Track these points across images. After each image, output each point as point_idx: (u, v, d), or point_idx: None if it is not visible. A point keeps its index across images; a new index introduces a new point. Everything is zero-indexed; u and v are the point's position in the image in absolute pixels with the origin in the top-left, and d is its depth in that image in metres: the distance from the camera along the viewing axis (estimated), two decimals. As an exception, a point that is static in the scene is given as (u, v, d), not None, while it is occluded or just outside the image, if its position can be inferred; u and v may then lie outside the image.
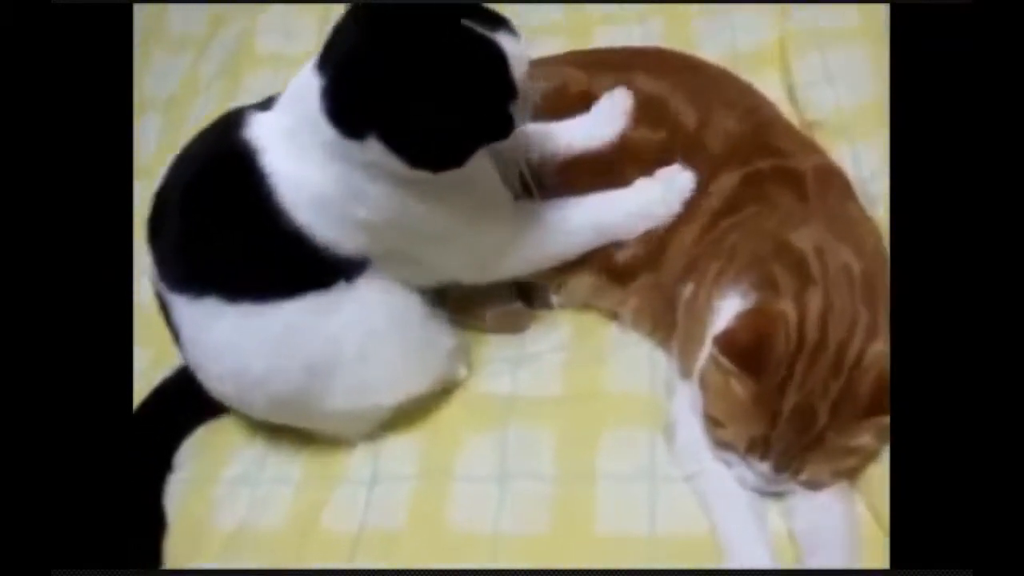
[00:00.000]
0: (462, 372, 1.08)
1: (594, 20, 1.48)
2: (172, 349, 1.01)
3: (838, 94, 1.16)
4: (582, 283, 1.07)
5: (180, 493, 1.06)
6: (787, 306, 0.85)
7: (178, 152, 0.98)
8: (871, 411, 0.81)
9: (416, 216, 0.91)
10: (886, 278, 0.86)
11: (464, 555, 0.93)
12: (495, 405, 1.04)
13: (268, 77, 1.44)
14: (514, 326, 1.11)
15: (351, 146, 0.85)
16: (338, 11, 0.86)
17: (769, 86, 1.19)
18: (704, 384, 0.89)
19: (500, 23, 0.86)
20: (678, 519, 0.90)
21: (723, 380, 0.85)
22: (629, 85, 1.08)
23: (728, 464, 0.90)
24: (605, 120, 1.08)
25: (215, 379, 0.99)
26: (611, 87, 1.09)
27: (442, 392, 1.06)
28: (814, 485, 0.87)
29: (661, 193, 1.02)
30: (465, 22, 0.83)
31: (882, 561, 0.80)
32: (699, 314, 0.93)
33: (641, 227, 1.03)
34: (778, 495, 0.89)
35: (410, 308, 1.01)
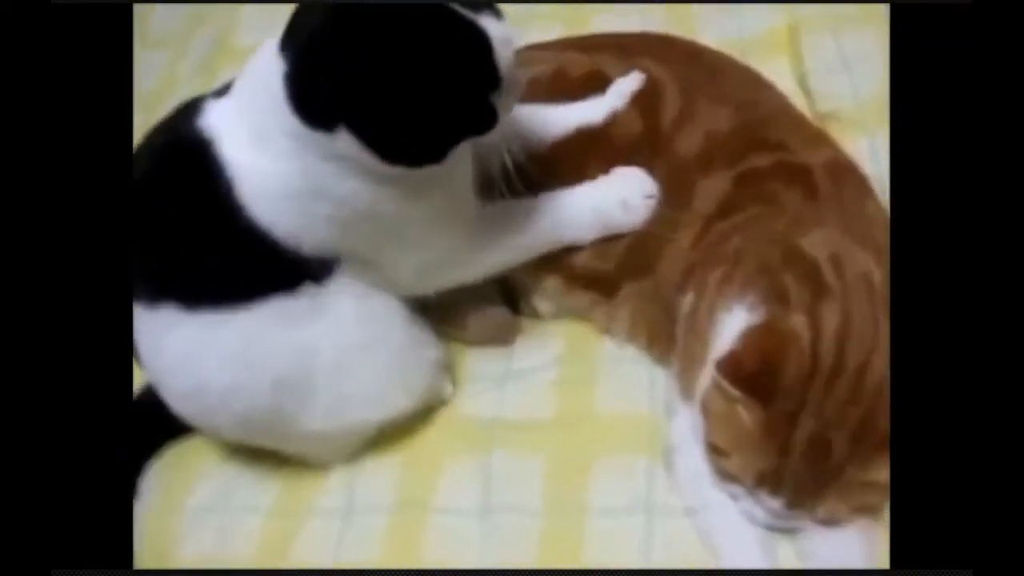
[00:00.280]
0: (448, 388, 1.00)
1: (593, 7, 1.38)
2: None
3: (854, 82, 1.07)
4: (555, 288, 1.00)
5: (143, 521, 0.99)
6: (798, 322, 0.76)
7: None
8: (894, 441, 0.72)
9: (385, 214, 0.83)
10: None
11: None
12: (479, 429, 0.95)
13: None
14: (500, 337, 1.03)
15: (318, 137, 0.77)
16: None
17: (779, 75, 1.10)
18: (706, 410, 0.80)
19: (482, 3, 0.77)
20: (677, 556, 0.82)
21: (728, 407, 0.76)
22: (638, 66, 1.01)
23: (734, 497, 0.81)
24: (610, 104, 1.00)
25: (176, 397, 0.91)
26: (619, 69, 1.01)
27: (422, 412, 0.98)
28: (831, 522, 0.77)
29: (620, 197, 0.94)
30: (445, 1, 0.75)
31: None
32: (700, 329, 0.84)
33: (596, 232, 0.95)
34: (790, 531, 0.80)
35: (390, 315, 0.93)
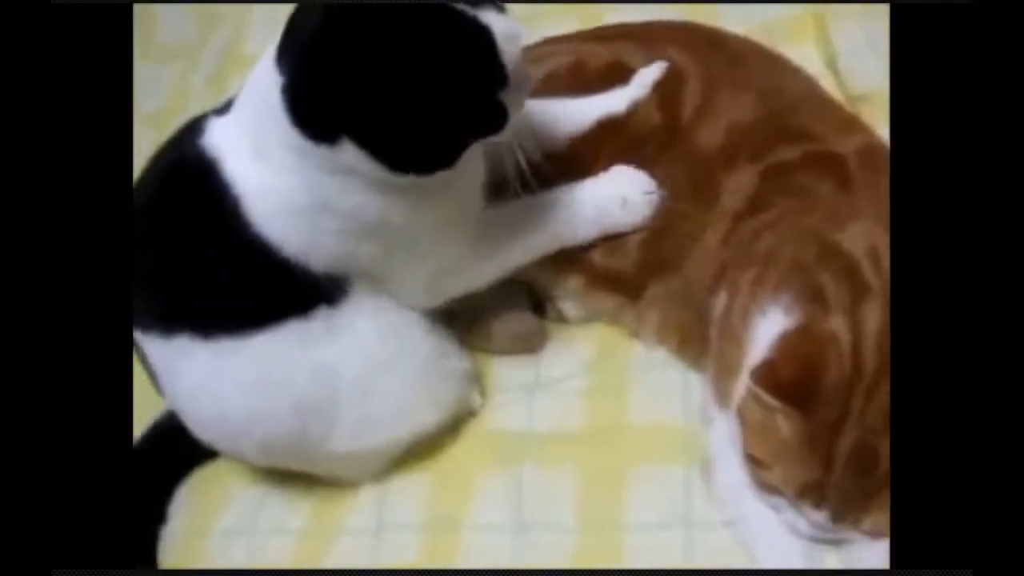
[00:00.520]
0: (477, 400, 0.97)
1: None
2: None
3: (885, 65, 1.01)
4: (578, 290, 0.96)
5: (172, 546, 0.97)
6: (838, 324, 0.72)
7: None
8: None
9: (395, 226, 0.80)
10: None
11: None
12: (508, 442, 0.92)
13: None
14: (527, 345, 1.00)
15: (322, 151, 0.74)
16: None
17: (807, 59, 1.05)
18: (744, 420, 0.76)
19: None
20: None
21: (766, 416, 0.73)
22: (662, 54, 0.97)
23: (776, 509, 0.77)
24: (632, 95, 0.96)
25: (198, 425, 0.90)
26: (640, 59, 0.97)
27: (451, 426, 0.95)
28: (878, 534, 0.73)
29: (618, 195, 0.91)
30: None
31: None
32: (735, 333, 0.80)
33: (595, 231, 0.92)
34: (836, 542, 0.77)
35: (410, 328, 0.90)
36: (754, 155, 0.88)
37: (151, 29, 1.59)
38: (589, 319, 0.99)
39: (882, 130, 0.92)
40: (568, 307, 0.99)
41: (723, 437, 0.82)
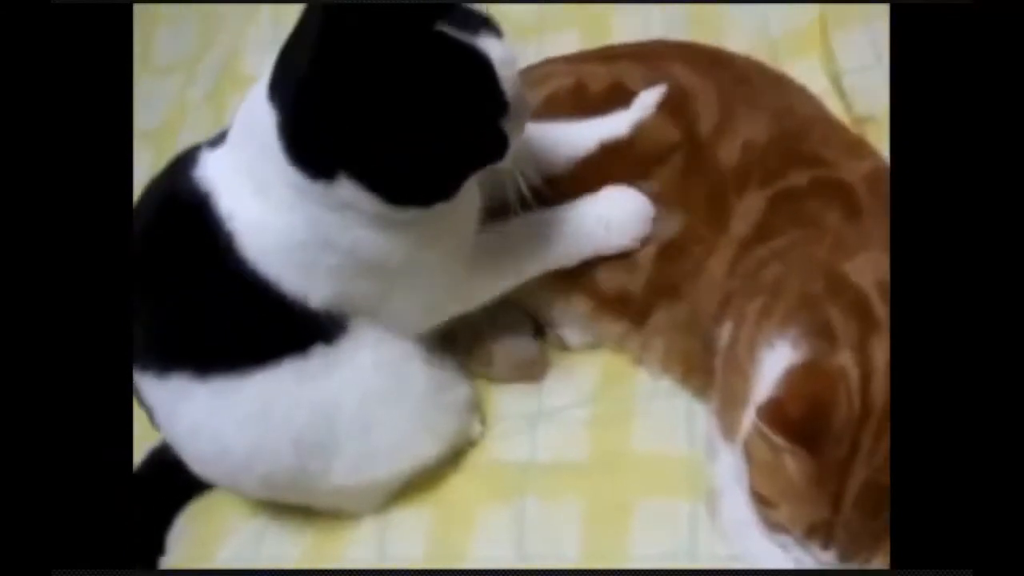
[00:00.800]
0: (477, 428, 0.96)
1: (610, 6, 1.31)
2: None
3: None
4: (585, 314, 0.94)
5: (172, 575, 0.96)
6: (846, 360, 0.70)
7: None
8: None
9: (395, 259, 0.79)
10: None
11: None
12: (510, 473, 0.91)
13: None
14: (529, 373, 0.98)
15: (319, 187, 0.73)
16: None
17: (811, 73, 1.04)
18: (750, 457, 0.74)
19: (479, 23, 0.73)
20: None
21: (773, 455, 0.71)
22: (664, 73, 0.95)
23: (784, 547, 0.75)
24: (634, 117, 0.94)
25: (197, 462, 0.89)
26: (641, 79, 0.95)
27: (453, 456, 0.94)
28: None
29: (603, 218, 0.89)
30: (439, 27, 0.70)
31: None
32: (740, 366, 0.79)
33: (589, 252, 0.90)
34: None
35: (409, 360, 0.88)
36: (764, 179, 0.86)
37: (149, 45, 1.58)
38: (591, 346, 0.98)
39: (887, 150, 0.90)
40: (570, 334, 0.98)
41: (728, 470, 0.80)
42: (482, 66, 0.71)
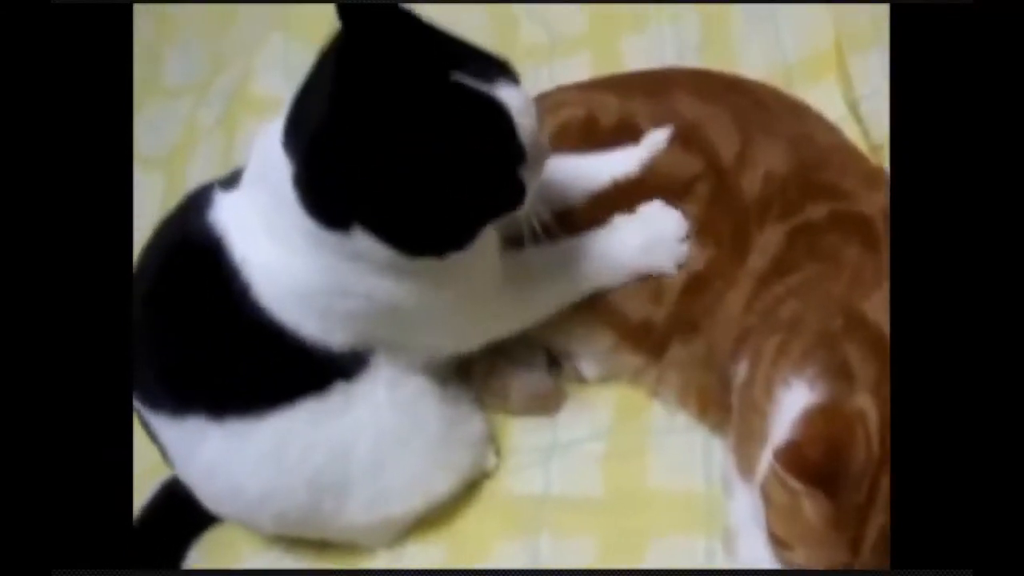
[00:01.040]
0: (492, 460, 0.95)
1: (622, 25, 1.29)
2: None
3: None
4: (606, 347, 0.94)
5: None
6: (865, 402, 0.70)
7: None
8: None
9: (413, 304, 0.78)
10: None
11: None
12: (525, 508, 0.91)
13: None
14: (544, 407, 0.97)
15: (335, 237, 0.72)
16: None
17: (828, 98, 1.03)
18: (767, 499, 0.73)
19: (495, 70, 0.72)
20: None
21: (790, 499, 0.70)
22: (670, 108, 0.94)
23: (803, 590, 0.75)
24: (643, 155, 0.93)
25: (211, 501, 0.89)
26: (650, 112, 0.94)
27: (467, 490, 0.93)
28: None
29: (641, 238, 0.88)
30: (456, 76, 0.70)
31: None
32: (757, 405, 0.78)
33: (625, 277, 0.89)
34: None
35: (425, 398, 0.88)
36: (783, 212, 0.86)
37: (158, 66, 1.56)
38: (607, 379, 0.97)
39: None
40: (586, 366, 0.97)
41: (745, 509, 0.79)
42: (499, 116, 0.71)
